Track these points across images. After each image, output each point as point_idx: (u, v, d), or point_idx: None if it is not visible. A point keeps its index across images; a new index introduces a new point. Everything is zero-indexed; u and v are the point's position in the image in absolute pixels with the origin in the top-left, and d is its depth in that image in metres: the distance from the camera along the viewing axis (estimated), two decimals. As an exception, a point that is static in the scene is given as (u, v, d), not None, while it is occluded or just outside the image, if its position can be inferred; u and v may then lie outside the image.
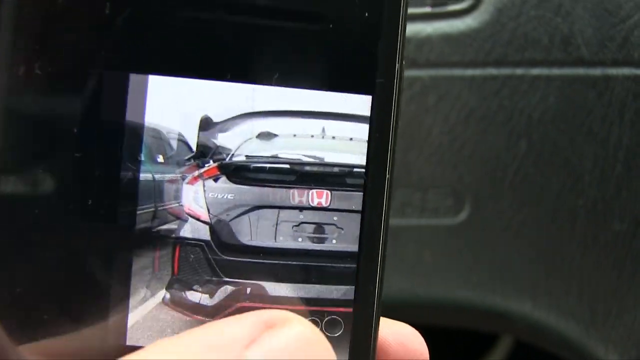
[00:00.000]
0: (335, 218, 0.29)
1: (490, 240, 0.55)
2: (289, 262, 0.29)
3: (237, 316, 0.24)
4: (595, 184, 0.53)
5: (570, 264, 0.55)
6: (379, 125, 0.28)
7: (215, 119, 0.29)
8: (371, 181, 0.28)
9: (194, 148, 0.28)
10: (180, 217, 0.29)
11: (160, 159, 0.29)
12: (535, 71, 0.52)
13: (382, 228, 0.29)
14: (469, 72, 0.52)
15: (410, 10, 0.54)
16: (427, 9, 0.53)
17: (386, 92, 0.28)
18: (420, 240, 0.55)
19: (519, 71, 0.52)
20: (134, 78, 0.27)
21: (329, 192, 0.29)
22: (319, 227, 0.29)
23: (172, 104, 0.28)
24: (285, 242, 0.29)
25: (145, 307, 0.28)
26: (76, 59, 0.27)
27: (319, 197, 0.29)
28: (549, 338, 0.57)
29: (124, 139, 0.28)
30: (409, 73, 0.52)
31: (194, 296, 0.28)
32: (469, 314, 0.57)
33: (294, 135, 0.29)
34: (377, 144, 0.28)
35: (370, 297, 0.28)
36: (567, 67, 0.52)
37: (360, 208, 0.29)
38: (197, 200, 0.29)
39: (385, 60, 0.28)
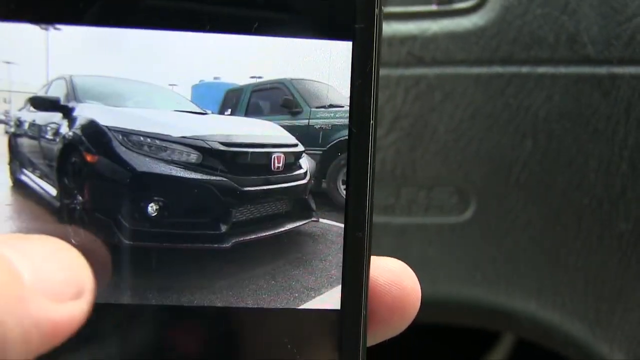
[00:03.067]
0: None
1: (495, 239, 0.55)
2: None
3: None
4: (600, 183, 0.53)
5: (575, 263, 0.55)
6: (361, 71, 0.28)
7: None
8: (356, 127, 0.28)
9: None
10: None
11: None
12: (541, 69, 0.52)
13: (368, 171, 0.29)
14: (475, 70, 0.52)
15: (417, 8, 0.54)
16: (433, 7, 0.53)
17: (366, 37, 0.28)
18: (426, 238, 0.55)
19: (524, 69, 0.52)
20: None
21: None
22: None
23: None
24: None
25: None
26: None
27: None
28: (554, 337, 0.57)
29: None
30: (414, 72, 0.52)
31: None
32: (474, 312, 0.57)
33: None
34: (359, 90, 0.28)
35: (359, 243, 0.28)
36: (573, 66, 0.52)
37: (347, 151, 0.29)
38: None
39: (364, 5, 0.28)
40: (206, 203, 0.29)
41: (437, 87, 0.52)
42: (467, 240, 0.55)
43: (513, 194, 0.54)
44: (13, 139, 0.29)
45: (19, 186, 0.29)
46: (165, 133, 0.29)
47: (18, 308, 0.21)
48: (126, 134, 0.29)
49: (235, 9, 0.28)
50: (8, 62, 0.27)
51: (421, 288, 0.31)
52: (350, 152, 0.28)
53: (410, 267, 0.31)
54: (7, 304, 0.21)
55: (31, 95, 0.28)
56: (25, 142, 0.29)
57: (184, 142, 0.29)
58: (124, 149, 0.28)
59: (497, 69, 0.52)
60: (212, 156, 0.29)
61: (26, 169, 0.29)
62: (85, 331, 0.23)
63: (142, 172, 0.28)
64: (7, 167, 0.29)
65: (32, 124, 0.29)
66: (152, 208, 0.28)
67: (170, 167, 0.29)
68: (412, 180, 0.54)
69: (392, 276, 0.31)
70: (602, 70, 0.52)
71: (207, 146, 0.29)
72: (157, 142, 0.29)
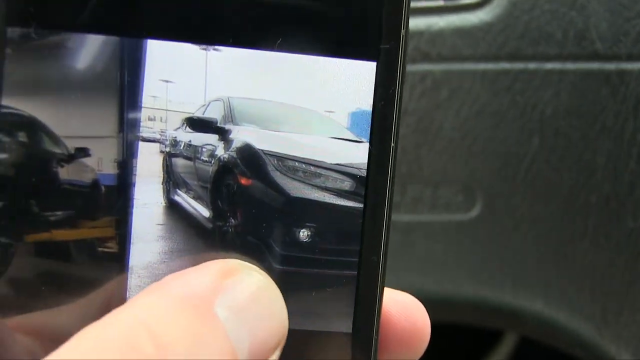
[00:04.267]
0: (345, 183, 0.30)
1: (501, 237, 0.54)
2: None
3: (196, 268, 0.25)
4: (608, 180, 0.53)
5: (583, 262, 0.54)
6: (384, 93, 0.28)
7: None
8: (376, 150, 0.28)
9: None
10: None
11: None
12: (549, 66, 0.52)
13: (387, 195, 0.28)
14: (481, 66, 0.52)
15: (423, 4, 0.53)
16: (440, 2, 0.52)
17: (391, 58, 0.28)
18: (431, 236, 0.55)
19: (532, 65, 0.52)
20: None
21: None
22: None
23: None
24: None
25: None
26: None
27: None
28: (560, 336, 0.56)
29: None
30: (420, 67, 0.52)
31: None
32: (479, 310, 0.57)
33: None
34: (381, 112, 0.28)
35: (375, 267, 0.28)
36: (581, 62, 0.51)
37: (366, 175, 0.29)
38: None
39: (390, 26, 0.27)
40: (356, 230, 0.29)
41: (443, 83, 0.52)
42: (473, 238, 0.54)
43: (520, 192, 0.53)
44: (168, 158, 0.29)
45: (172, 206, 0.29)
46: (320, 159, 0.29)
47: None
48: (281, 158, 0.29)
49: (261, 25, 0.27)
50: (166, 81, 0.28)
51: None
52: (369, 175, 0.28)
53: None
54: None
55: (188, 115, 0.29)
56: (179, 163, 0.30)
57: (338, 170, 0.29)
58: (278, 173, 0.29)
59: (504, 65, 0.52)
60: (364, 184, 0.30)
61: (180, 189, 0.29)
62: None
63: (295, 197, 0.29)
64: (161, 187, 0.29)
65: (188, 145, 0.29)
66: (303, 234, 0.28)
67: (324, 193, 0.29)
68: (417, 178, 0.54)
69: (404, 309, 0.31)
70: (611, 66, 0.51)
71: (361, 174, 0.29)
72: (312, 168, 0.29)
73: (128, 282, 0.28)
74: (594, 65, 0.51)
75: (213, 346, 0.22)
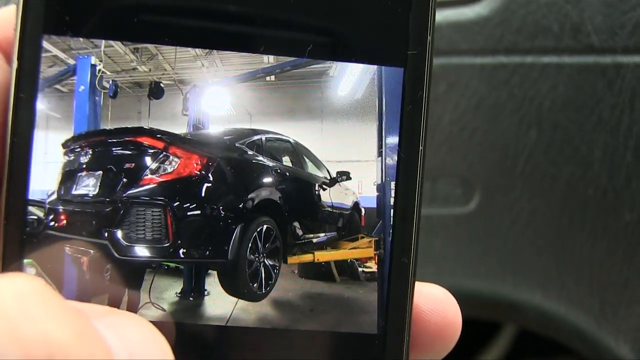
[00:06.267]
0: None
1: (500, 230, 0.55)
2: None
3: None
4: (605, 173, 0.53)
5: (581, 254, 0.55)
6: (412, 97, 0.28)
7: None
8: (405, 153, 0.28)
9: None
10: None
11: None
12: (546, 59, 0.52)
13: (416, 198, 0.28)
14: (479, 60, 0.52)
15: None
16: (437, -3, 0.52)
17: (418, 63, 0.28)
18: (430, 229, 0.55)
19: (529, 59, 0.52)
20: None
21: None
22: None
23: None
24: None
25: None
26: None
27: None
28: (559, 328, 0.56)
29: None
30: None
31: None
32: (478, 303, 0.57)
33: None
34: (409, 116, 0.28)
35: (405, 269, 0.29)
36: (577, 55, 0.52)
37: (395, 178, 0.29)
38: None
39: (417, 32, 0.28)
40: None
41: (441, 77, 0.52)
42: (471, 231, 0.55)
43: (518, 185, 0.54)
44: None
45: None
46: None
47: None
48: None
49: (290, 34, 0.28)
50: None
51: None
52: (399, 178, 0.28)
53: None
54: None
55: None
56: None
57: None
58: None
59: (502, 59, 0.52)
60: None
61: None
62: None
63: None
64: None
65: None
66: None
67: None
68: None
69: (435, 303, 0.30)
70: (607, 59, 0.52)
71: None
72: None
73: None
74: (591, 59, 0.52)
75: None
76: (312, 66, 0.29)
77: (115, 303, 0.28)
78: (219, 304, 0.30)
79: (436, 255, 0.55)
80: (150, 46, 0.31)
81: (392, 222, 0.29)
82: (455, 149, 0.53)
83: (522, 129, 0.53)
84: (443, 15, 0.52)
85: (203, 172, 0.30)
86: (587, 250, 0.54)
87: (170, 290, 0.31)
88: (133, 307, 0.28)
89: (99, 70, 0.32)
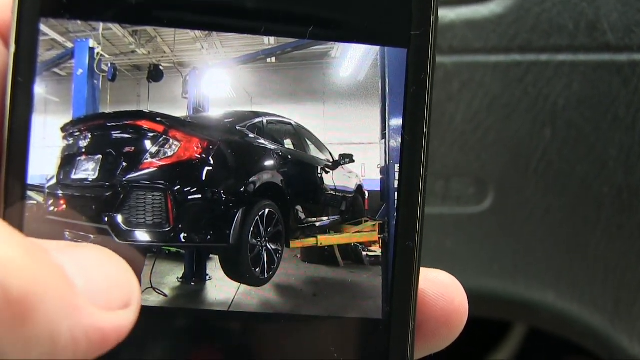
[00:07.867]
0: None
1: (513, 229, 0.54)
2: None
3: None
4: (620, 171, 0.53)
5: (595, 253, 0.54)
6: (415, 78, 0.28)
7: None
8: (409, 135, 0.28)
9: None
10: None
11: None
12: (560, 57, 0.51)
13: (420, 181, 0.28)
14: (493, 58, 0.52)
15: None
16: (451, -5, 0.52)
17: (422, 44, 0.28)
18: (443, 228, 0.55)
19: (543, 57, 0.51)
20: None
21: None
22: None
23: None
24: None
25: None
26: None
27: None
28: (572, 328, 0.56)
29: None
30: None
31: None
32: (491, 303, 0.57)
33: None
34: (413, 97, 0.28)
35: (410, 253, 0.28)
36: (592, 53, 0.51)
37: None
38: None
39: (420, 12, 0.28)
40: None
41: (454, 75, 0.52)
42: (484, 230, 0.54)
43: (531, 184, 0.53)
44: None
45: None
46: None
47: (70, 315, 0.21)
48: None
49: (292, 14, 0.28)
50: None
51: None
52: (403, 161, 0.28)
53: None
54: (60, 311, 0.21)
55: None
56: None
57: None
58: None
59: (516, 57, 0.52)
60: None
61: None
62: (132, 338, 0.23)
63: None
64: None
65: None
66: None
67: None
68: (429, 170, 0.54)
69: (441, 289, 0.30)
70: (622, 57, 0.51)
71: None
72: None
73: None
74: (606, 57, 0.51)
75: None
76: (313, 47, 0.29)
77: None
78: (221, 289, 0.30)
79: (449, 254, 0.55)
80: (149, 28, 0.31)
81: (396, 205, 0.28)
82: (469, 147, 0.53)
83: (536, 128, 0.52)
84: (457, 13, 0.52)
85: (204, 156, 0.30)
86: (601, 248, 0.54)
87: (171, 275, 0.31)
88: None
89: (98, 53, 0.32)
